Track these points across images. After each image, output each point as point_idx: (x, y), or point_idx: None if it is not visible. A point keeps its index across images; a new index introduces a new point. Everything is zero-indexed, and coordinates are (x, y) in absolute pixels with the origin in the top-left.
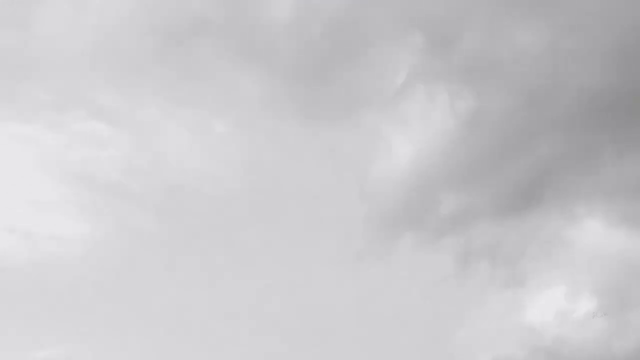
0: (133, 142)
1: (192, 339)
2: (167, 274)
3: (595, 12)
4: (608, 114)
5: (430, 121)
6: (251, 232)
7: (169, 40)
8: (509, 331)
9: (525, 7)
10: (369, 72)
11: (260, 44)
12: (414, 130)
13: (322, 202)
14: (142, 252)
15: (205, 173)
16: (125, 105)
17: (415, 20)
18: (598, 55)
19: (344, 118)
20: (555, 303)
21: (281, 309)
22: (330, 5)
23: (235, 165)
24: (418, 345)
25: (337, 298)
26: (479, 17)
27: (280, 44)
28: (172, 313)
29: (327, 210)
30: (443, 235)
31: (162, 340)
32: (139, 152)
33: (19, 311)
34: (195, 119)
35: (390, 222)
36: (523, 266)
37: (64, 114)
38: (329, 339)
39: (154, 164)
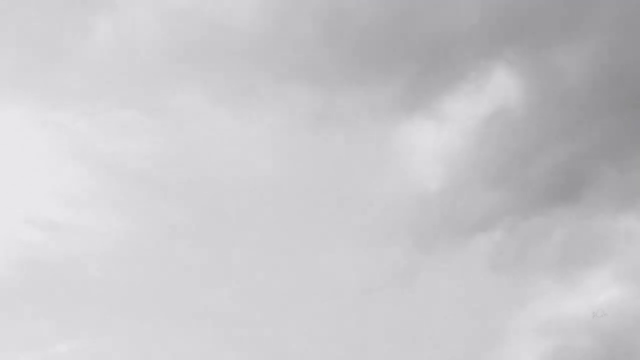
0: (168, 132)
1: (217, 336)
2: (198, 269)
3: None
4: None
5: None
6: (288, 229)
7: None
8: (562, 324)
9: None
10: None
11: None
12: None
13: (361, 203)
14: (174, 247)
15: (244, 165)
16: (161, 93)
17: None
18: None
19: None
20: (608, 296)
21: (313, 310)
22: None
23: (276, 158)
24: (466, 342)
25: (374, 300)
26: None
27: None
28: (199, 310)
29: (366, 210)
30: (482, 231)
31: (186, 336)
32: (174, 142)
33: (43, 305)
34: (234, 107)
35: (429, 223)
36: (574, 260)
37: (97, 101)
38: (367, 340)
39: (189, 155)
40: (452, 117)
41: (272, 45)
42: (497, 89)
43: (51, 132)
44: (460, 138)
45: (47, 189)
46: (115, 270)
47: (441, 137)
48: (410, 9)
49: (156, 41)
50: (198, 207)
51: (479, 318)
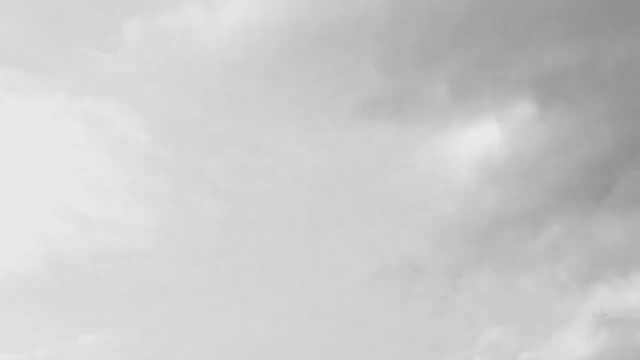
0: (209, 123)
1: (244, 337)
2: (231, 267)
3: None
4: None
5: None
6: (326, 227)
7: None
8: (622, 316)
9: None
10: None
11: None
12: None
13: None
14: (208, 243)
15: (285, 155)
16: (204, 82)
17: None
18: None
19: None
20: None
21: (345, 313)
22: None
23: (317, 146)
24: (525, 331)
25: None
26: None
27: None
28: (228, 308)
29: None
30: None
31: (209, 336)
32: (214, 133)
33: (70, 298)
34: (275, 99)
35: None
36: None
37: (137, 92)
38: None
39: (230, 145)
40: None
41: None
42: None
43: (88, 122)
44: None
45: (80, 182)
46: (146, 265)
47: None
48: None
49: (197, 33)
50: (235, 200)
51: (538, 308)
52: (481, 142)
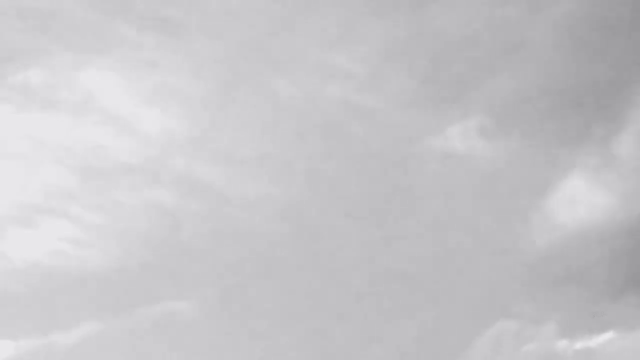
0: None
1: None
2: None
3: None
4: None
5: None
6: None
7: None
8: None
9: None
10: None
11: None
12: None
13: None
14: (341, 226)
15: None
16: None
17: None
18: None
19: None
20: None
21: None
22: None
23: None
24: None
25: None
26: None
27: None
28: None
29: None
30: None
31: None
32: (368, 90)
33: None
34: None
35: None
36: None
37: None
38: None
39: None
40: None
41: None
42: None
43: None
44: None
45: (204, 149)
46: (261, 243)
47: None
48: None
49: None
50: (378, 182)
51: None
52: None
